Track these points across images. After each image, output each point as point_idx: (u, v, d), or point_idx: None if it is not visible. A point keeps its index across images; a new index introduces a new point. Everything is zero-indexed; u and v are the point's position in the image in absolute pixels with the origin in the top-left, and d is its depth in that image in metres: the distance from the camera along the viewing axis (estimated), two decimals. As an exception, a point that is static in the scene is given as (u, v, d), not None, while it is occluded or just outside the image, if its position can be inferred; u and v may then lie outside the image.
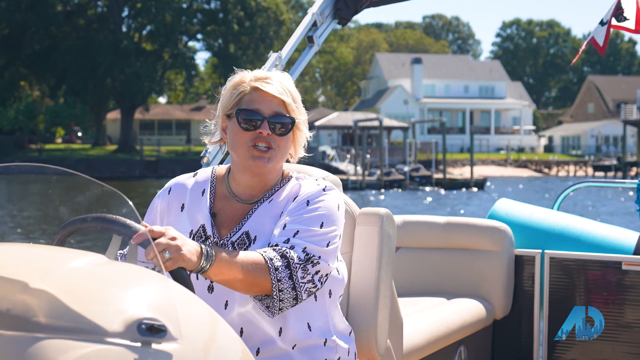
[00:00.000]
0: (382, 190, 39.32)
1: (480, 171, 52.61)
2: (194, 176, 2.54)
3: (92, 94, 57.94)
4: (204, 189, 2.47)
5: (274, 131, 2.36)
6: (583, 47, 4.19)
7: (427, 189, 40.60)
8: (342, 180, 40.91)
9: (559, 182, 49.44)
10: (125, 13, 60.51)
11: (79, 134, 65.19)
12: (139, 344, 1.39)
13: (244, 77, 2.41)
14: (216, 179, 2.50)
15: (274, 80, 2.39)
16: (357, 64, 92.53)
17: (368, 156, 43.71)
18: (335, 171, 48.90)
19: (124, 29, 59.97)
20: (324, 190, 2.40)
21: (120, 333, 1.38)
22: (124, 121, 60.39)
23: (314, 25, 3.90)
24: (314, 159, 52.70)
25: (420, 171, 43.33)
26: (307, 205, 2.35)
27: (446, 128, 74.91)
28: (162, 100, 76.59)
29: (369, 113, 59.02)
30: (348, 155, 52.51)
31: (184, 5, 60.87)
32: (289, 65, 3.99)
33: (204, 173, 2.54)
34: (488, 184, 43.84)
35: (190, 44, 65.03)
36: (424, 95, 78.03)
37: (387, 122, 48.26)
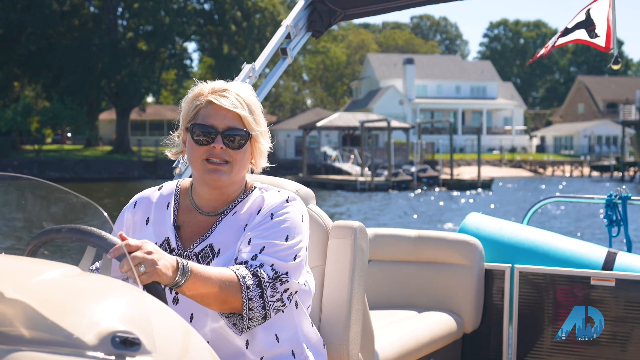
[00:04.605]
0: (391, 192, 39.29)
1: (476, 171, 52.70)
2: (159, 189, 2.56)
3: (88, 95, 57.52)
4: (169, 202, 2.49)
5: (229, 145, 2.35)
6: (543, 51, 4.19)
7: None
8: (350, 181, 41.47)
9: (559, 182, 49.70)
10: (120, 12, 60.10)
11: (69, 134, 64.76)
12: (112, 357, 1.37)
13: (202, 90, 2.40)
14: (180, 192, 2.52)
15: (230, 93, 2.37)
16: (346, 64, 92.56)
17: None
18: (339, 172, 48.87)
19: (120, 29, 59.56)
20: (287, 201, 2.40)
21: (95, 346, 1.37)
22: (120, 122, 59.98)
23: (288, 38, 3.90)
24: (316, 160, 52.58)
25: (427, 172, 43.37)
26: (272, 218, 2.35)
27: (438, 128, 75.51)
28: (150, 99, 76.04)
29: (369, 114, 58.99)
30: (352, 156, 52.42)
31: (178, 6, 60.53)
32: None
33: (168, 186, 2.56)
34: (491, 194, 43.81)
35: (184, 44, 64.67)
36: (416, 96, 78.19)
37: (392, 122, 48.21)
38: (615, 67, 4.08)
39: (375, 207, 29.97)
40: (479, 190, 40.98)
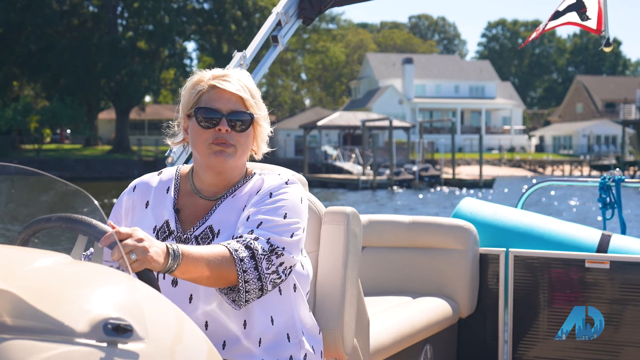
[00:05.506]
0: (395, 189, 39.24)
1: (475, 171, 52.67)
2: (158, 175, 2.58)
3: (88, 94, 57.41)
4: (169, 187, 2.52)
5: (234, 128, 2.39)
6: (535, 35, 4.16)
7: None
8: (352, 180, 41.45)
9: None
10: (119, 12, 60.00)
11: (68, 131, 64.68)
12: (105, 344, 1.37)
13: (202, 77, 2.44)
14: (180, 177, 2.54)
15: (232, 78, 2.42)
16: (345, 64, 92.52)
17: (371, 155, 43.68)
18: (340, 171, 48.84)
19: (120, 28, 59.47)
20: (286, 183, 2.43)
21: (87, 333, 1.37)
22: (119, 121, 59.90)
23: (279, 25, 3.91)
24: (316, 159, 52.52)
25: (429, 171, 43.37)
26: (270, 197, 2.38)
27: (437, 128, 75.53)
28: (148, 99, 75.93)
29: (370, 113, 58.96)
30: (353, 155, 52.38)
31: (177, 5, 60.44)
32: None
33: (168, 172, 2.58)
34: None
35: (184, 44, 64.62)
36: (415, 95, 78.20)
37: (393, 122, 48.22)
38: (607, 50, 4.07)
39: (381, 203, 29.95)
40: (478, 192, 40.96)
